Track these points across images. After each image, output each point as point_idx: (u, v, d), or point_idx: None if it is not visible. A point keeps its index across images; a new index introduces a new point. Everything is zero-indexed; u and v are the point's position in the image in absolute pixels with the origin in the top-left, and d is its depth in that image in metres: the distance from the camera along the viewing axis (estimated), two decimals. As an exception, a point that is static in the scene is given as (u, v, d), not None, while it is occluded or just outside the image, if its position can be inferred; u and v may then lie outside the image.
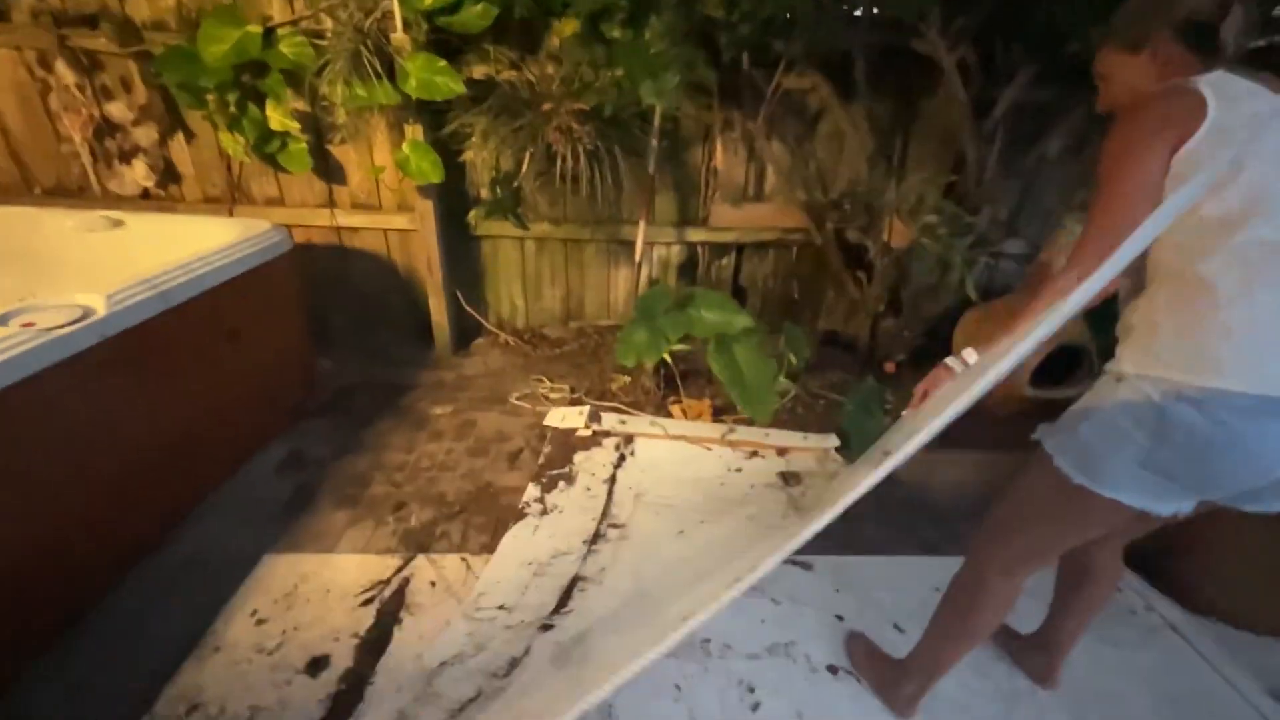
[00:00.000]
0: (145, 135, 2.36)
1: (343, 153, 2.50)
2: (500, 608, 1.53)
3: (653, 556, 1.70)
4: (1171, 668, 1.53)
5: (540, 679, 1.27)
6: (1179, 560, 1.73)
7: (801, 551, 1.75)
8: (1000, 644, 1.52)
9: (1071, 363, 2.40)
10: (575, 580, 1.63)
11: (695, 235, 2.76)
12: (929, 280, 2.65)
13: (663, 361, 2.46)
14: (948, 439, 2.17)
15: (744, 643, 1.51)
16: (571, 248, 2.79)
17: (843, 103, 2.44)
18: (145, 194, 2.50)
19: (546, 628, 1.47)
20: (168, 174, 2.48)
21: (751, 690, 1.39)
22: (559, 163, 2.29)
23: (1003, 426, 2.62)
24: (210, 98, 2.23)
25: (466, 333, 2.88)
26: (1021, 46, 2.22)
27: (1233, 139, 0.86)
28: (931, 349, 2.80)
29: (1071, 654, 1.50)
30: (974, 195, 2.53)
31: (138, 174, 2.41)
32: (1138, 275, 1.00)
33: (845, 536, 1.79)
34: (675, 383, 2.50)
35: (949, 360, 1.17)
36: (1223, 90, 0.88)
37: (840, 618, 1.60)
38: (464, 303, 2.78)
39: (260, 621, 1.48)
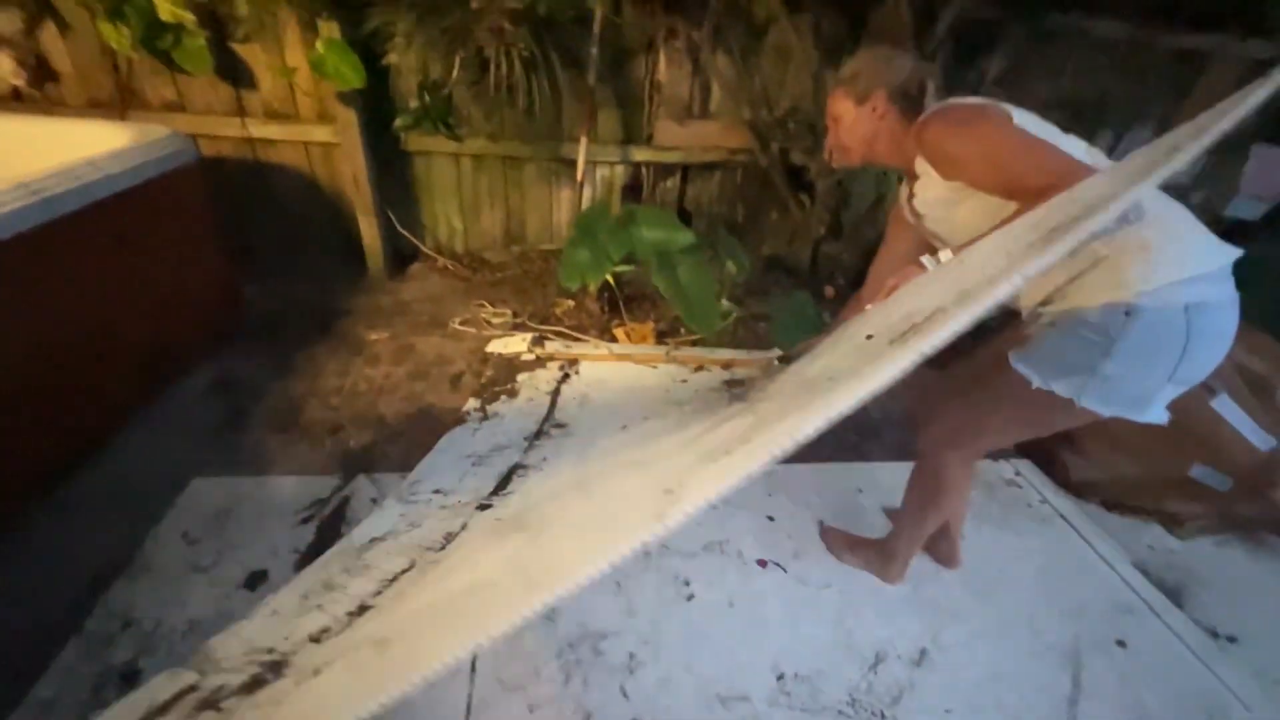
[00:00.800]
0: (7, 22, 2.06)
1: (249, 52, 2.25)
2: (436, 491, 1.53)
3: (595, 445, 1.72)
4: (1058, 550, 1.72)
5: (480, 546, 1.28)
6: (1065, 452, 1.92)
7: (738, 461, 1.85)
8: None
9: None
10: (515, 467, 1.63)
11: (640, 155, 2.68)
12: (868, 203, 2.69)
13: (606, 285, 2.44)
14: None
15: (681, 543, 1.59)
16: (510, 166, 2.66)
17: (790, 13, 2.37)
18: (16, 95, 2.21)
19: (484, 507, 1.48)
20: (42, 72, 2.19)
21: (687, 584, 1.48)
22: (493, 70, 2.15)
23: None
24: (85, -21, 1.95)
25: (402, 256, 2.76)
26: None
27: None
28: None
29: (975, 543, 1.67)
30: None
31: (3, 70, 2.11)
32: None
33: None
34: (619, 306, 2.49)
35: (923, 258, 1.18)
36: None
37: (771, 518, 1.71)
38: (398, 225, 2.64)
39: (193, 542, 1.45)
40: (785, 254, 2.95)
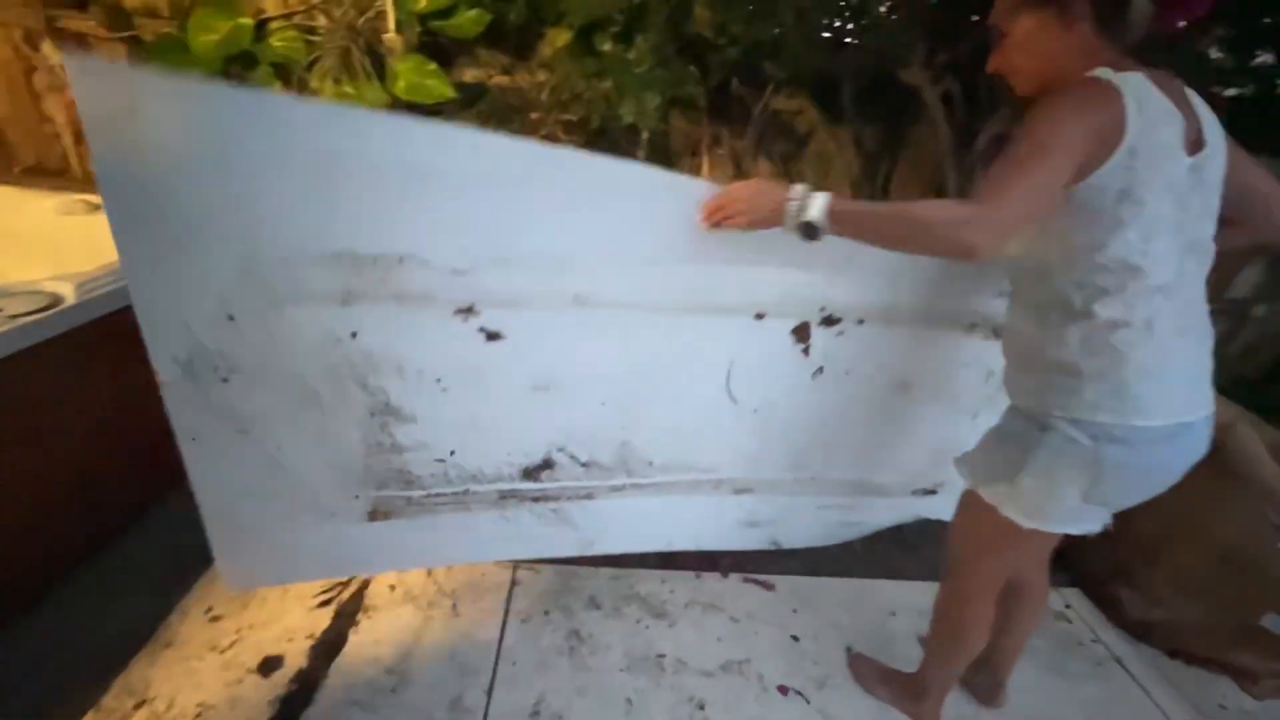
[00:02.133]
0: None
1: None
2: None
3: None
4: (1113, 698, 1.57)
5: None
6: (1122, 588, 1.78)
7: (764, 572, 1.79)
8: None
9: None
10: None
11: (680, 248, 2.78)
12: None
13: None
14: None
15: (698, 659, 1.52)
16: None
17: (830, 126, 2.48)
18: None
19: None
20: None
21: (701, 708, 1.41)
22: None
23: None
24: (198, 86, 2.22)
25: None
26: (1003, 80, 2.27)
27: (1135, 167, 0.86)
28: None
29: (1020, 683, 1.53)
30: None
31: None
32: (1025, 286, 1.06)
33: (809, 558, 1.82)
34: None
35: (794, 187, 1.00)
36: (1144, 106, 0.85)
37: (796, 638, 1.62)
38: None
39: (215, 619, 1.47)
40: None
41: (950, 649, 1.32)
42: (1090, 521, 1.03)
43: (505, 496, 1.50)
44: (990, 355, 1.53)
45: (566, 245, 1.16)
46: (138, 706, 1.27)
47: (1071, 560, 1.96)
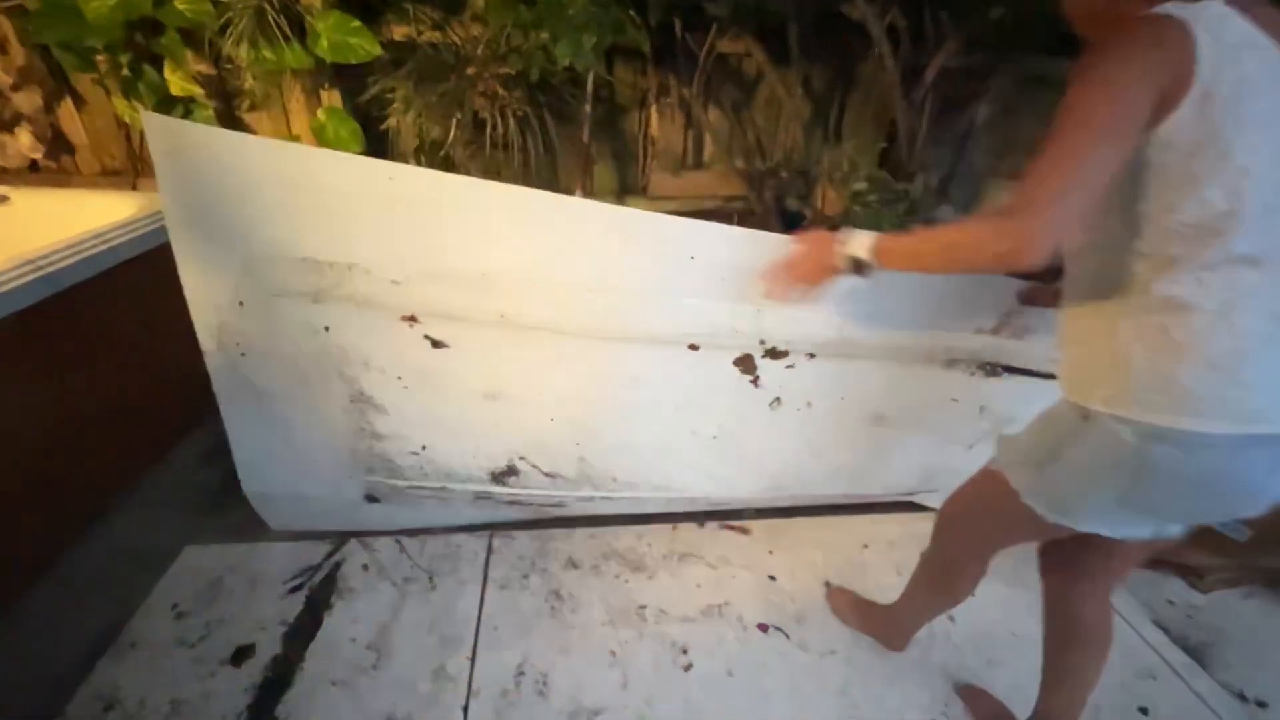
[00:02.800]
0: (27, 101, 2.15)
1: (256, 120, 2.33)
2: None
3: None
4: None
5: None
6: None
7: (739, 517, 1.82)
8: None
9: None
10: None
11: (635, 205, 2.72)
12: (865, 247, 2.70)
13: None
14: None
15: (679, 607, 1.55)
16: (509, 219, 2.71)
17: (778, 68, 2.42)
18: (34, 166, 2.29)
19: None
20: (58, 144, 2.28)
21: (685, 652, 1.44)
22: (488, 130, 2.20)
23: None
24: (100, 59, 2.04)
25: (403, 309, 2.79)
26: (948, 13, 2.24)
27: (1210, 112, 0.71)
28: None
29: (982, 598, 1.60)
30: (907, 162, 2.57)
31: (23, 144, 2.20)
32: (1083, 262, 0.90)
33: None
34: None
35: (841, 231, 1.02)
36: (1220, 37, 0.71)
37: (773, 578, 1.66)
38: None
39: (181, 615, 1.43)
40: (784, 297, 2.96)
41: (936, 601, 1.31)
42: (1133, 526, 0.90)
43: (480, 498, 1.61)
44: (981, 391, 1.56)
45: (487, 265, 1.23)
46: (107, 709, 1.24)
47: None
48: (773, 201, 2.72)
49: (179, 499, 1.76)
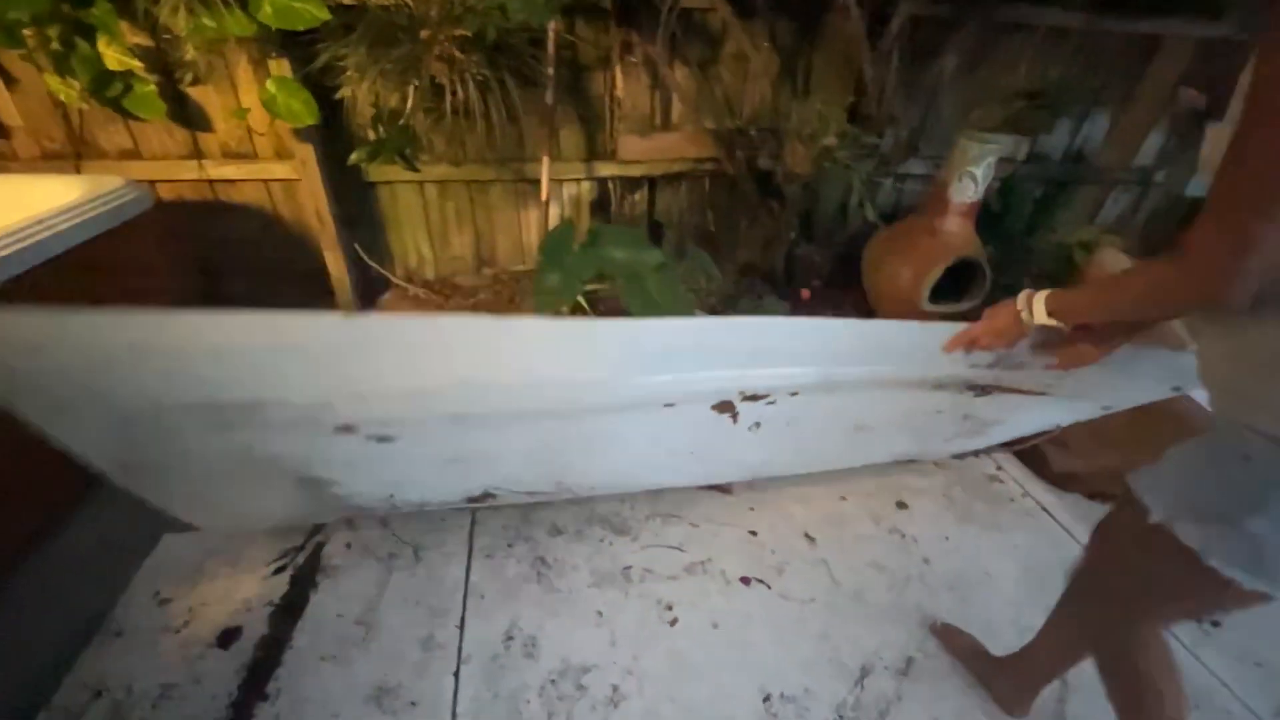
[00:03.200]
0: (-48, 82, 2.03)
1: (202, 94, 2.23)
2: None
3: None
4: (1041, 543, 1.72)
5: None
6: (1047, 446, 1.92)
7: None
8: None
9: (966, 277, 2.54)
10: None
11: (605, 169, 2.67)
12: (836, 205, 2.70)
13: (579, 304, 2.44)
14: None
15: (663, 566, 1.58)
16: (476, 190, 2.65)
17: (743, 22, 2.37)
18: (-33, 152, 2.17)
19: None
20: (-8, 127, 2.16)
21: (670, 608, 1.47)
22: (448, 96, 2.13)
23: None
24: (28, 34, 1.92)
25: (372, 287, 2.74)
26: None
27: None
28: (844, 274, 2.89)
29: (958, 541, 1.66)
30: (876, 117, 2.55)
31: (-48, 129, 2.08)
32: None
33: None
34: (594, 324, 2.47)
35: (1018, 299, 1.00)
36: None
37: (754, 533, 1.70)
38: (364, 256, 2.62)
39: (164, 601, 1.42)
40: (760, 261, 2.95)
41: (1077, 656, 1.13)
42: None
43: (459, 510, 1.63)
44: (966, 404, 1.54)
45: (424, 383, 1.08)
46: (96, 697, 1.23)
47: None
48: (744, 162, 2.69)
49: (153, 488, 1.73)
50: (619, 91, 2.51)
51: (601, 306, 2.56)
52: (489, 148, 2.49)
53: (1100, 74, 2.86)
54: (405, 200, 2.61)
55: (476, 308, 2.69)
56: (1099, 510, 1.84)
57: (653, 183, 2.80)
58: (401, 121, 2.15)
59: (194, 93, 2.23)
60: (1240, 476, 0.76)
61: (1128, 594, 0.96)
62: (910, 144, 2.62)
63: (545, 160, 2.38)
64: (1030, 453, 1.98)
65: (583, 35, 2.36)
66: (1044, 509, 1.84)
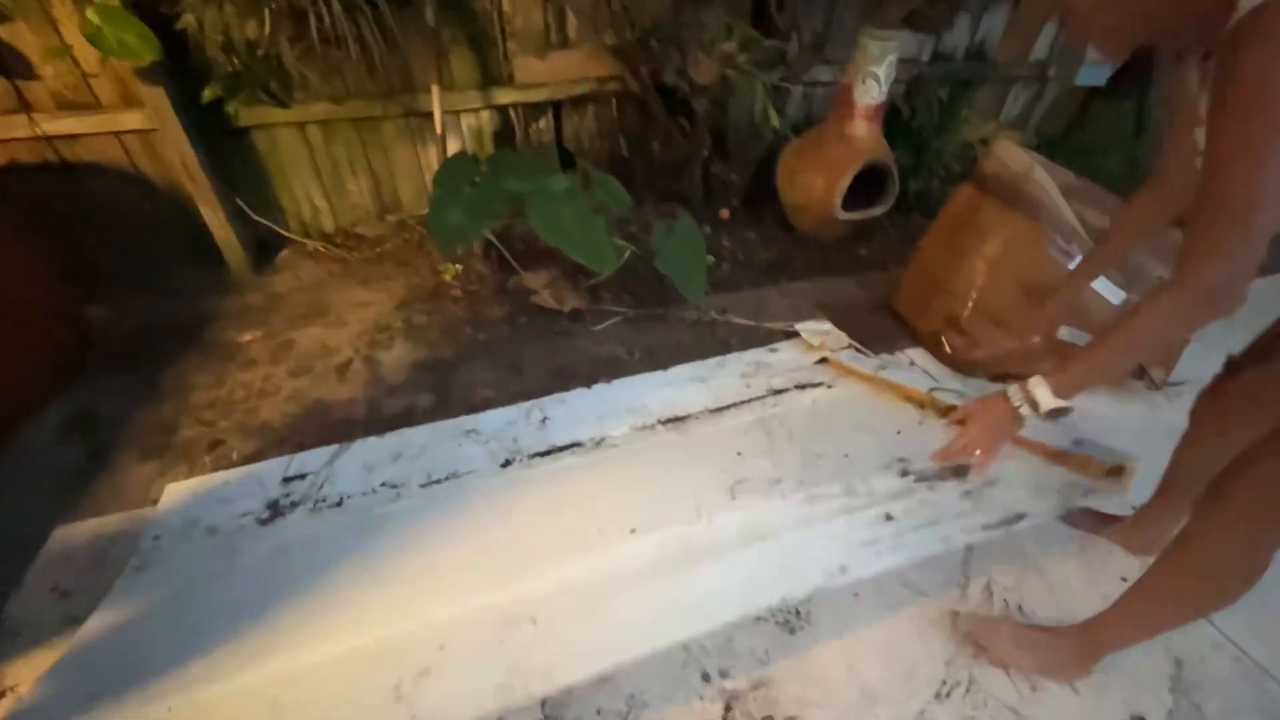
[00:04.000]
0: None
1: (13, 34, 1.91)
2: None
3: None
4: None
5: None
6: (951, 336, 2.03)
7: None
8: None
9: (877, 184, 2.57)
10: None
11: (504, 96, 2.51)
12: (747, 120, 2.64)
13: (491, 243, 2.34)
14: (782, 273, 2.27)
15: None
16: (366, 129, 2.44)
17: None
18: None
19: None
20: None
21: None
22: (312, 22, 1.91)
23: (827, 253, 2.82)
24: None
25: (266, 246, 2.53)
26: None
27: None
28: (762, 190, 2.88)
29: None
30: (779, 21, 2.47)
31: None
32: None
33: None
34: (508, 262, 2.38)
35: (1010, 394, 0.96)
36: None
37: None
38: (250, 212, 2.40)
39: (64, 594, 1.33)
40: (676, 183, 2.89)
41: (1205, 610, 1.02)
42: None
43: None
44: None
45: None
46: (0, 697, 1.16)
47: (905, 323, 2.21)
48: (649, 78, 2.58)
49: (37, 480, 1.59)
50: (506, 8, 2.33)
51: (519, 243, 2.46)
52: (371, 79, 2.29)
53: (996, -36, 2.85)
54: (287, 145, 2.39)
55: (383, 258, 2.54)
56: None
57: (558, 109, 2.66)
58: (261, 52, 1.93)
59: (4, 33, 1.91)
60: None
61: None
62: (815, 48, 2.57)
63: (435, 90, 2.21)
64: (937, 345, 2.07)
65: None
66: (955, 392, 1.95)
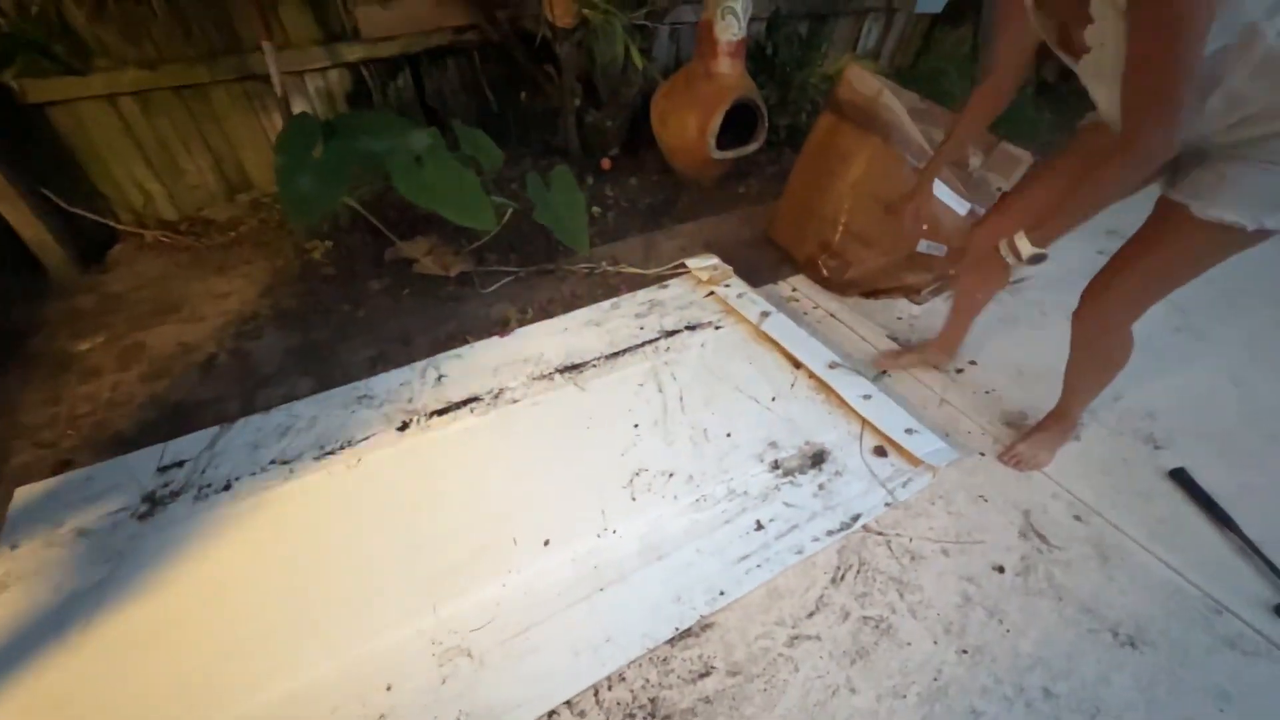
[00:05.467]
0: None
1: None
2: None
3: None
4: (829, 340, 1.94)
5: None
6: (825, 261, 2.14)
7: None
8: None
9: (748, 123, 2.63)
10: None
11: (351, 53, 2.31)
12: (616, 64, 2.60)
13: (355, 210, 2.18)
14: (666, 216, 2.28)
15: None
16: (193, 97, 2.17)
17: None
18: None
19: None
20: None
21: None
22: (98, -29, 1.66)
23: (709, 193, 2.88)
24: None
25: (94, 242, 2.22)
26: None
27: None
28: (639, 136, 2.86)
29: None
30: (639, -43, 2.42)
31: None
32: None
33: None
34: (380, 231, 2.24)
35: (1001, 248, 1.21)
36: None
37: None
38: (64, 204, 2.09)
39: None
40: (553, 135, 2.82)
41: (1110, 377, 1.42)
42: None
43: None
44: None
45: None
46: None
47: (785, 252, 2.32)
48: (509, 25, 2.46)
49: None
50: (335, -51, 2.12)
51: (393, 212, 2.32)
52: (187, 40, 2.03)
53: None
54: (96, 123, 2.08)
55: (239, 242, 2.31)
56: (872, 304, 2.14)
57: (415, 64, 2.48)
58: (36, 9, 1.65)
59: None
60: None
61: (1180, 279, 1.20)
62: (675, -14, 2.54)
63: (268, 47, 1.99)
64: (813, 270, 2.20)
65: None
66: (830, 314, 2.09)
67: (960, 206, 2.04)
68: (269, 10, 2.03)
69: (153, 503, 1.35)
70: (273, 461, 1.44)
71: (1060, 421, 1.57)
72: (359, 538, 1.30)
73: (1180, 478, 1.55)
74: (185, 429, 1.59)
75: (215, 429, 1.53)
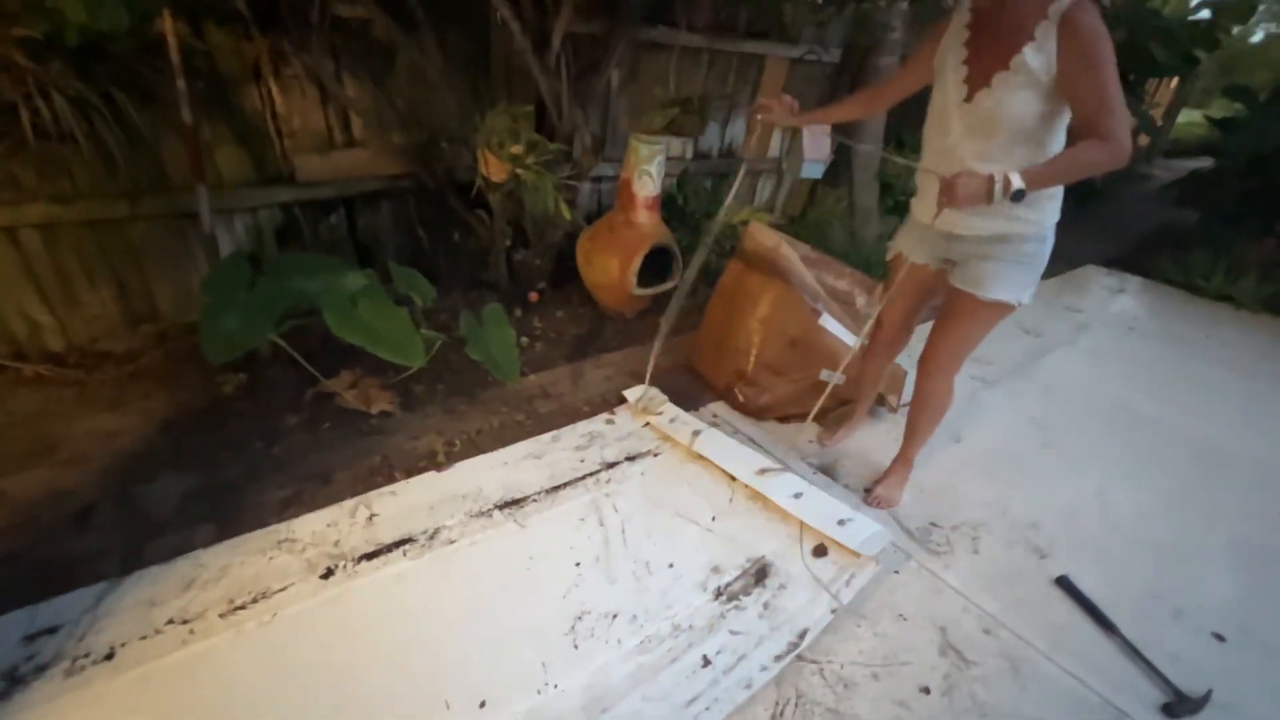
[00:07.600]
0: None
1: None
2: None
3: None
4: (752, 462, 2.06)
5: None
6: (741, 389, 2.32)
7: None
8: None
9: (663, 263, 2.91)
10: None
11: (285, 194, 2.38)
12: (543, 210, 2.84)
13: (280, 346, 2.13)
14: (592, 346, 2.39)
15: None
16: (106, 231, 2.12)
17: (409, 34, 2.33)
18: None
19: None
20: None
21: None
22: (25, 118, 1.67)
23: (631, 325, 3.07)
24: None
25: (-41, 377, 2.01)
26: None
27: None
28: (565, 272, 3.06)
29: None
30: (561, 125, 2.75)
31: None
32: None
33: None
34: (299, 364, 2.18)
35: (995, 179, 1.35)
36: None
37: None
38: (-68, 336, 1.90)
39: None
40: (483, 270, 2.95)
41: (932, 428, 1.90)
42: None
43: None
44: None
45: None
46: None
47: (705, 380, 2.48)
48: (445, 175, 2.66)
49: None
50: (280, 107, 2.26)
51: (317, 342, 2.28)
52: (110, 178, 2.02)
53: (729, 84, 3.53)
54: (-13, 255, 1.97)
55: (138, 376, 2.16)
56: (788, 429, 2.31)
57: (349, 204, 2.59)
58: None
59: None
60: (1038, 258, 1.54)
61: (978, 339, 1.69)
62: (596, 150, 2.88)
63: (201, 188, 2.02)
64: (731, 398, 2.36)
65: (217, 42, 2.06)
66: (749, 439, 2.22)
67: (849, 339, 2.32)
68: (203, 156, 2.08)
69: (11, 681, 1.14)
70: (169, 621, 1.27)
71: (904, 464, 1.99)
72: (270, 709, 1.15)
73: (1065, 585, 1.71)
74: (53, 592, 1.38)
75: (102, 585, 1.34)
